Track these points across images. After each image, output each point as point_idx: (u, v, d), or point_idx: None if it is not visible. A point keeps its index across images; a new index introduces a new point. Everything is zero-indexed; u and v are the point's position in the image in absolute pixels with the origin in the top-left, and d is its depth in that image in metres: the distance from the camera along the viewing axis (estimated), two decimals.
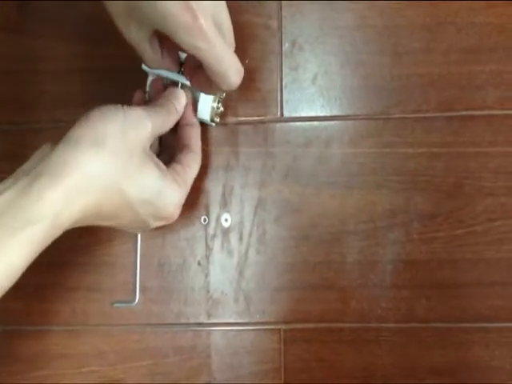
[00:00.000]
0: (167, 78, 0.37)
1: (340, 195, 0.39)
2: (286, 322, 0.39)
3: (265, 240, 0.39)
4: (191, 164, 0.35)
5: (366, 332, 0.38)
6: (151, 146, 0.33)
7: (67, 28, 0.42)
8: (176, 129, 0.36)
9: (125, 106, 0.31)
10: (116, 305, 0.40)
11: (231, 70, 0.30)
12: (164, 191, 0.32)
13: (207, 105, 0.37)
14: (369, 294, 0.38)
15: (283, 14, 0.40)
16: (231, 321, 0.39)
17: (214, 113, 0.38)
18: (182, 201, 0.34)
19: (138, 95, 0.38)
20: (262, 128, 0.40)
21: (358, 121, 0.39)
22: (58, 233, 0.28)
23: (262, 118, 0.40)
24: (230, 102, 0.40)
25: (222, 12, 0.30)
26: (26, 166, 0.30)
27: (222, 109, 0.38)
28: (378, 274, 0.38)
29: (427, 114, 0.38)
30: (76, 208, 0.28)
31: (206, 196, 0.40)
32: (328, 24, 0.40)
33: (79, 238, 0.40)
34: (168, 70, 0.36)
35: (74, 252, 0.40)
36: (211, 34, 0.28)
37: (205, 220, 0.40)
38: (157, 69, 0.36)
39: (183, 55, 0.36)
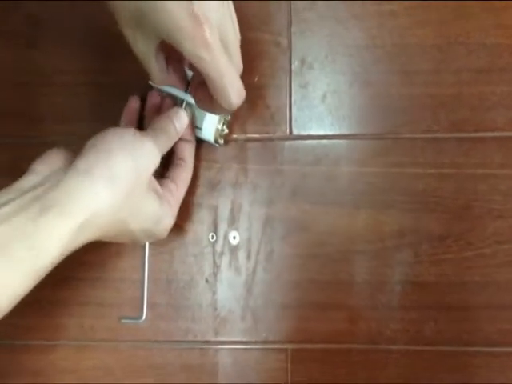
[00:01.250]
0: (166, 92, 0.37)
1: (348, 214, 0.39)
2: (293, 342, 0.39)
3: (273, 258, 0.39)
4: (184, 181, 0.37)
5: (375, 353, 0.38)
6: None
7: (78, 42, 0.42)
8: None
9: (137, 134, 0.31)
10: (124, 321, 0.40)
11: (232, 88, 0.30)
12: (161, 220, 0.34)
13: (212, 125, 0.38)
14: (377, 315, 0.38)
15: (293, 31, 0.40)
16: (238, 339, 0.39)
17: (219, 134, 0.38)
18: (173, 221, 0.36)
19: (133, 103, 0.38)
20: (271, 145, 0.40)
21: (366, 140, 0.39)
22: (61, 259, 0.28)
23: (271, 135, 0.40)
24: (239, 118, 0.40)
25: (229, 32, 0.30)
26: (32, 181, 0.29)
27: (226, 131, 0.39)
28: (387, 295, 0.38)
29: (437, 135, 0.38)
30: (82, 240, 0.28)
31: (214, 213, 0.40)
32: (337, 42, 0.40)
33: (88, 253, 0.40)
34: (174, 87, 0.36)
35: (83, 267, 0.41)
36: (214, 46, 0.28)
37: (213, 237, 0.40)
38: (163, 86, 0.36)
39: (190, 73, 0.36)
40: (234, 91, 0.30)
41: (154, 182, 0.33)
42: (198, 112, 0.37)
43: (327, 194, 0.39)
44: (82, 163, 0.29)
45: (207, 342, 0.39)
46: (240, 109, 0.39)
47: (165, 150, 0.34)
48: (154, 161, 0.32)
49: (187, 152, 0.38)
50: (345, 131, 0.39)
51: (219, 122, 0.38)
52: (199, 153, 0.40)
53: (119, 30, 0.31)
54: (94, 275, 0.41)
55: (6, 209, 0.26)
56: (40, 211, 0.26)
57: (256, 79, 0.40)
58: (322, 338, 0.38)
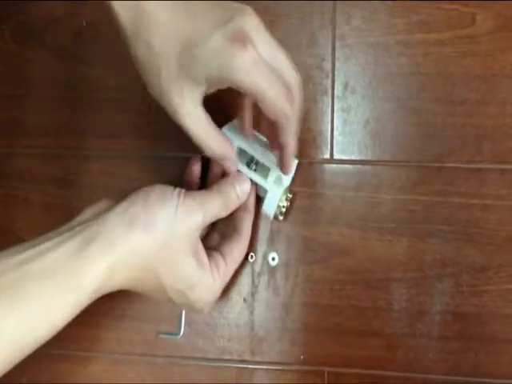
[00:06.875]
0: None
1: (389, 241, 0.39)
2: (330, 365, 0.39)
3: (311, 281, 0.39)
4: (235, 257, 0.36)
5: (412, 381, 0.38)
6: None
7: (122, 57, 0.43)
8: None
9: (181, 194, 0.32)
10: (161, 336, 0.41)
11: (278, 101, 0.30)
12: (198, 287, 0.33)
13: (274, 202, 0.37)
14: (416, 344, 0.38)
15: (337, 55, 0.41)
16: (275, 360, 0.39)
17: (279, 211, 0.38)
18: (215, 298, 0.34)
19: (194, 165, 0.38)
20: (312, 168, 0.40)
21: (409, 167, 0.39)
22: (97, 297, 0.30)
23: (313, 158, 0.40)
24: None
25: (284, 62, 0.31)
26: (78, 221, 0.32)
27: (287, 207, 0.38)
28: (426, 324, 0.38)
29: (480, 165, 0.38)
30: (117, 280, 0.30)
31: (254, 233, 0.40)
32: (381, 69, 0.40)
33: None
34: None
35: None
36: (261, 63, 0.29)
37: (252, 257, 0.40)
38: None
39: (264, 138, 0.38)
40: (279, 104, 0.30)
41: (200, 249, 0.33)
42: (262, 184, 0.37)
43: (368, 220, 0.39)
44: (121, 206, 0.31)
45: (243, 362, 0.40)
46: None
47: (220, 213, 0.34)
48: (195, 220, 0.32)
49: (245, 224, 0.37)
50: (387, 158, 0.39)
51: (281, 200, 0.37)
52: None
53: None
54: None
55: (50, 243, 0.29)
56: (82, 245, 0.29)
57: None
58: (360, 363, 0.38)
